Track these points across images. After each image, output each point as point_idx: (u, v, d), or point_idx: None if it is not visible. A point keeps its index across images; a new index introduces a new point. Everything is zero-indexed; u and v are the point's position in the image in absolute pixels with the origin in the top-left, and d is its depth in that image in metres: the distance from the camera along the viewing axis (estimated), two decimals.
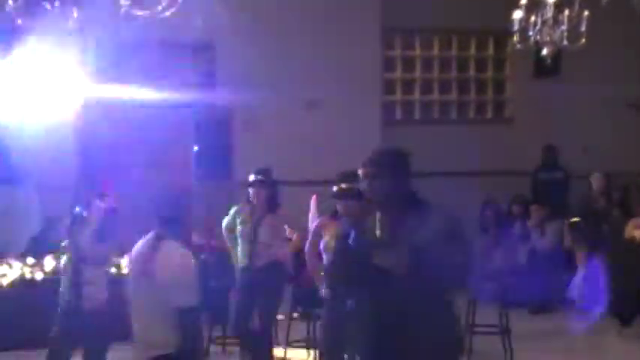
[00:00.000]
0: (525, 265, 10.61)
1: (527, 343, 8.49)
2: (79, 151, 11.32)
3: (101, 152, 11.13)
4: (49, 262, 9.02)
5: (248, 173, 7.67)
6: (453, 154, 12.83)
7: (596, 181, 10.20)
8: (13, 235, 10.35)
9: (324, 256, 6.37)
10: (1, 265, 8.95)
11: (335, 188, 6.03)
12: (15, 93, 9.90)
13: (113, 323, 6.20)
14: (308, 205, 7.93)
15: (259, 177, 7.44)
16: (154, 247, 4.43)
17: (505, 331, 8.16)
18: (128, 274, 4.87)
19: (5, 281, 8.75)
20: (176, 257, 4.39)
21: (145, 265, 4.42)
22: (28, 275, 8.91)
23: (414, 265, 3.69)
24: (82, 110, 10.66)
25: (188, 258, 4.46)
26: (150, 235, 4.51)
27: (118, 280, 7.57)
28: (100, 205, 6.58)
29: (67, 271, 6.42)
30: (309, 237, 6.83)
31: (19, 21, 7.93)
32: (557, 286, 10.29)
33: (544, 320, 9.91)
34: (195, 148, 12.09)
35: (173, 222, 4.51)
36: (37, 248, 9.74)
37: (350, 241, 3.96)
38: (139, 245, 4.58)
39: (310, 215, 7.89)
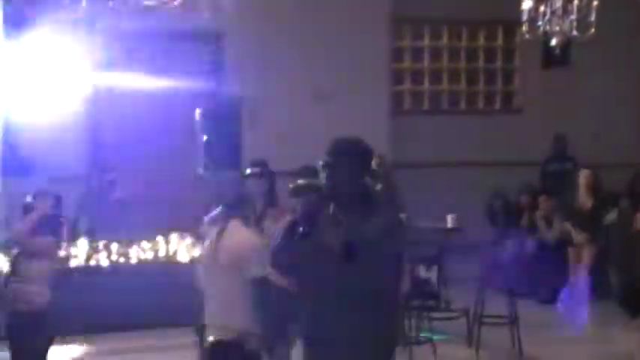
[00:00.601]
0: (533, 256, 10.58)
1: (535, 333, 8.48)
2: (89, 141, 11.37)
3: (110, 142, 11.18)
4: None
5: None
6: (461, 144, 12.82)
7: (583, 179, 10.11)
8: None
9: None
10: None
11: (291, 185, 5.74)
12: (24, 83, 9.93)
13: (54, 325, 6.10)
14: None
15: (256, 169, 7.06)
16: (222, 230, 4.74)
17: (513, 322, 8.15)
18: (199, 261, 5.15)
19: None
20: (243, 235, 4.74)
21: (215, 247, 4.72)
22: None
23: (347, 257, 3.66)
24: (91, 99, 10.68)
25: (254, 234, 4.92)
26: (217, 220, 4.87)
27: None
28: (47, 195, 6.42)
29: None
30: None
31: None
32: (565, 277, 10.28)
33: (552, 310, 9.90)
34: (205, 137, 12.09)
35: (236, 205, 4.89)
36: None
37: (299, 231, 3.93)
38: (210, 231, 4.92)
39: None
